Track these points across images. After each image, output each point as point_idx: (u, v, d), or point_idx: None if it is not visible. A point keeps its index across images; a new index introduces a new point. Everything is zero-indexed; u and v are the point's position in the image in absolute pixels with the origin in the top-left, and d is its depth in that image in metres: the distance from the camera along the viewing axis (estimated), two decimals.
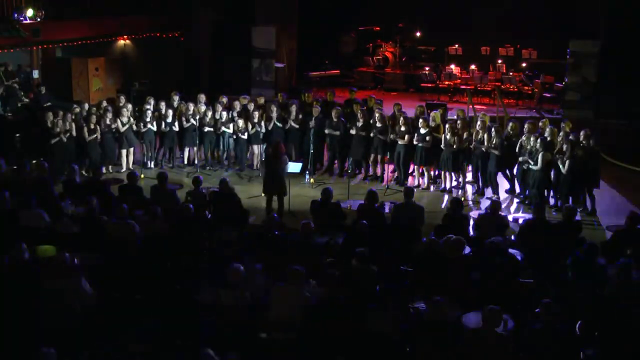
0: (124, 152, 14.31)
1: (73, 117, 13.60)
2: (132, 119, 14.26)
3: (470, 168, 13.47)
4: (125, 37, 19.93)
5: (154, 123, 14.29)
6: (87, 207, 9.12)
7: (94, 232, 8.63)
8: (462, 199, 11.68)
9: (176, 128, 14.34)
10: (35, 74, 18.51)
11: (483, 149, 12.61)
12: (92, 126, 13.68)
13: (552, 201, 12.38)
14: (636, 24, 16.66)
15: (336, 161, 14.51)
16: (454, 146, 12.77)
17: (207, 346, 5.51)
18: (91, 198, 9.15)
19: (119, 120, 14.03)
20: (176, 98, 14.95)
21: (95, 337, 6.44)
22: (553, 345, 6.13)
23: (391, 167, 14.02)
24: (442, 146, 12.92)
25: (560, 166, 11.79)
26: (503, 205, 11.94)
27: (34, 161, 12.40)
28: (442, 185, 13.43)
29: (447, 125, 12.91)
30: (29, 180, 10.67)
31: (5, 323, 6.58)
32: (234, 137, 14.31)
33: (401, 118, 13.42)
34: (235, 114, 14.43)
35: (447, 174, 13.28)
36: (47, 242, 8.09)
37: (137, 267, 7.80)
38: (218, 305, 6.82)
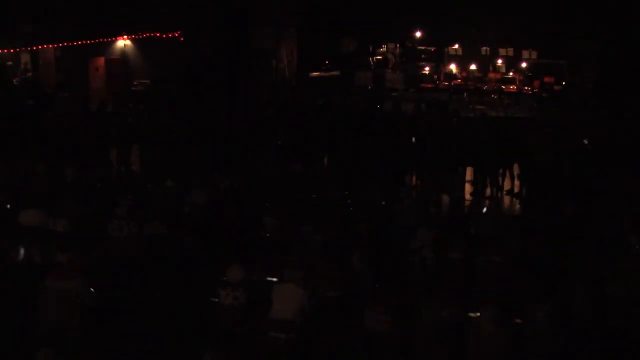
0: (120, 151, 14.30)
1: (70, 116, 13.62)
2: (130, 119, 14.27)
3: (469, 168, 13.46)
4: (125, 37, 19.93)
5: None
6: (87, 207, 9.10)
7: (93, 232, 8.61)
8: (462, 199, 11.67)
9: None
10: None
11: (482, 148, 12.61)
12: (90, 125, 13.68)
13: (551, 201, 12.37)
14: (636, 25, 16.67)
15: None
16: (452, 145, 12.76)
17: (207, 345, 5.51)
18: (91, 198, 9.12)
19: (116, 120, 14.04)
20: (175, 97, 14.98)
21: (95, 337, 6.43)
22: (553, 345, 6.13)
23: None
24: (439, 145, 12.91)
25: (561, 164, 11.81)
26: (503, 205, 11.94)
27: (32, 161, 12.36)
28: (441, 185, 13.40)
29: (443, 125, 12.91)
30: (28, 180, 10.64)
31: (6, 323, 6.57)
32: None
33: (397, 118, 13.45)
34: None
35: (445, 173, 13.25)
36: (46, 242, 8.07)
37: (137, 267, 7.79)
38: (217, 304, 6.82)
